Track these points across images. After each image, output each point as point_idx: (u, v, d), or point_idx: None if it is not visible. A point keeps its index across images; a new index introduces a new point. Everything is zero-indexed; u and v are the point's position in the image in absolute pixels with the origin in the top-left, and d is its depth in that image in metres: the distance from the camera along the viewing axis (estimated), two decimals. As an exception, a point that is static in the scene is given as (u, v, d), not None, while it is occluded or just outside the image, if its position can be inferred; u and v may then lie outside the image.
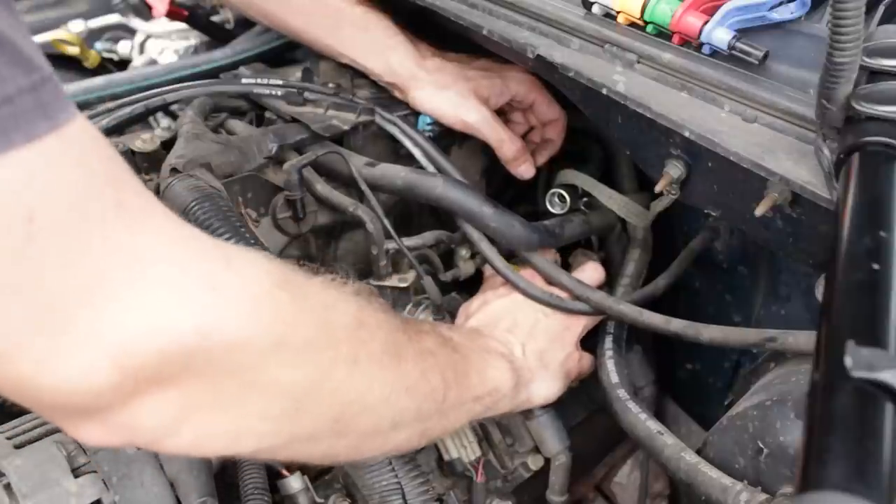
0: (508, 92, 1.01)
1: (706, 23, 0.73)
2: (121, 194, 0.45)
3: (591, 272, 0.97)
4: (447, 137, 1.04)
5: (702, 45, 0.74)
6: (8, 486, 0.68)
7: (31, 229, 0.40)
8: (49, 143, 0.41)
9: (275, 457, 0.72)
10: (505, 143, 0.99)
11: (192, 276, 0.47)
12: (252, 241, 0.77)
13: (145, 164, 0.92)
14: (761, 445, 0.71)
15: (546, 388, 0.89)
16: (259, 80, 1.03)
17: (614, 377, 0.90)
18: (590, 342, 0.96)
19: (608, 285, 1.00)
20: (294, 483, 0.80)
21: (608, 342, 0.94)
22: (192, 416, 0.50)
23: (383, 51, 0.97)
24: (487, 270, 1.00)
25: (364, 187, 0.92)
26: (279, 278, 0.54)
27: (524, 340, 0.88)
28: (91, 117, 1.01)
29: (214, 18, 1.48)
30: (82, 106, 1.24)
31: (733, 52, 0.72)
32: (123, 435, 0.49)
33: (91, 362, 0.44)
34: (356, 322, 0.60)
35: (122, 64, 1.63)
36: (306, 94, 1.01)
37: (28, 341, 0.42)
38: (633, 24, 0.79)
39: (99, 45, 1.64)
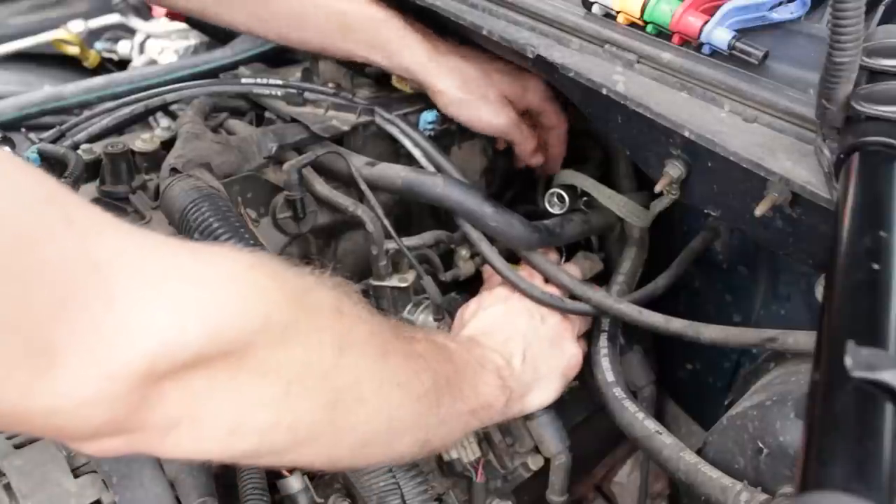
0: (525, 100, 1.01)
1: (706, 23, 0.73)
2: (66, 209, 0.44)
3: (582, 262, 0.99)
4: (447, 137, 1.04)
5: (702, 45, 0.74)
6: (8, 486, 0.68)
7: None
8: None
9: (279, 460, 0.72)
10: (528, 140, 1.01)
11: (163, 273, 0.47)
12: (251, 242, 0.77)
13: (145, 164, 0.92)
14: (761, 445, 0.71)
15: (541, 396, 0.88)
16: (259, 80, 1.03)
17: (609, 376, 0.90)
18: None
19: (605, 284, 1.00)
20: (294, 483, 0.80)
21: (602, 340, 0.94)
22: (189, 410, 0.50)
23: (401, 50, 0.95)
24: (487, 271, 1.00)
25: (364, 187, 0.93)
26: (253, 262, 0.54)
27: (523, 350, 0.87)
28: (91, 117, 1.01)
29: (214, 18, 1.48)
30: (82, 106, 1.24)
31: (733, 52, 0.72)
32: (122, 441, 0.49)
33: (78, 381, 0.43)
34: (336, 310, 0.60)
35: (122, 64, 1.63)
36: (306, 94, 1.01)
37: (10, 372, 0.42)
38: (632, 24, 0.79)
39: (99, 45, 1.65)
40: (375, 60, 0.97)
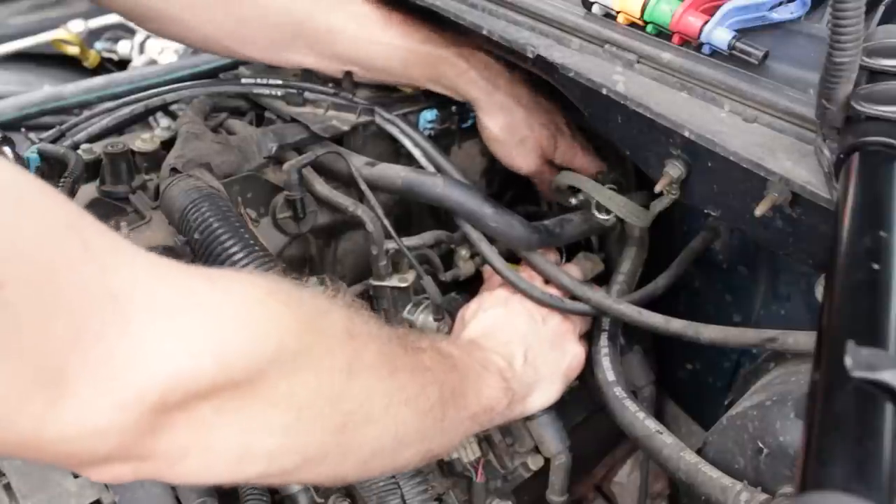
0: (553, 155, 1.03)
1: (706, 23, 0.73)
2: (84, 236, 0.44)
3: (583, 262, 1.00)
4: (447, 137, 1.04)
5: (702, 45, 0.74)
6: (8, 486, 0.68)
7: (3, 295, 0.39)
8: None
9: (287, 480, 0.71)
10: (548, 182, 1.03)
11: (177, 303, 0.47)
12: (251, 241, 0.77)
13: (145, 164, 0.92)
14: (761, 445, 0.71)
15: (542, 397, 0.88)
16: (259, 80, 1.03)
17: (610, 375, 0.90)
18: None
19: (605, 284, 1.00)
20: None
21: (603, 340, 0.94)
22: (199, 439, 0.50)
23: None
24: (487, 271, 1.00)
25: (364, 187, 0.92)
26: (268, 288, 0.54)
27: (524, 351, 0.87)
28: (91, 117, 1.01)
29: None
30: (82, 106, 1.24)
31: (733, 52, 0.72)
32: (130, 468, 0.49)
33: (90, 410, 0.43)
34: (347, 332, 0.60)
35: (122, 64, 1.63)
36: (306, 94, 1.01)
37: (24, 401, 0.41)
38: (632, 24, 0.80)
39: (99, 45, 1.65)
40: (435, 90, 1.01)
